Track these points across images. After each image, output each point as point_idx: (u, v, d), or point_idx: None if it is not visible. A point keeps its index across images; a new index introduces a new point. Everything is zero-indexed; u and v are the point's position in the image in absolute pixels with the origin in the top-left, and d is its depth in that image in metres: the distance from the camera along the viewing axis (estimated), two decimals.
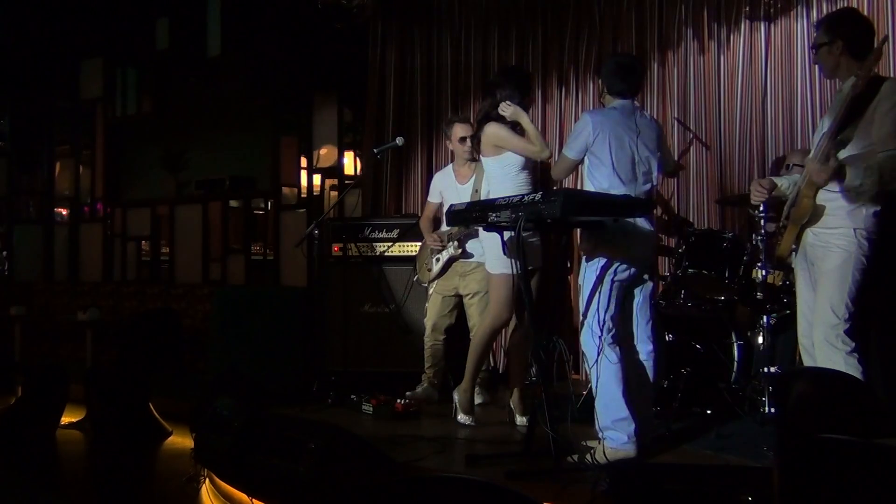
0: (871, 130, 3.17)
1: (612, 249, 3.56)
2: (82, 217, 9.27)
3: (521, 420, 4.22)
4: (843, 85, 3.33)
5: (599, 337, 3.46)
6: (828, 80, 4.57)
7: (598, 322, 3.49)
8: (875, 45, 3.29)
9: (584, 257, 3.64)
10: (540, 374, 3.44)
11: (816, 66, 3.78)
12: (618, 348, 3.50)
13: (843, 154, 3.21)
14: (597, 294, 3.51)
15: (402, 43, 6.47)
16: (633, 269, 3.60)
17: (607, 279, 3.53)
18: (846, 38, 3.28)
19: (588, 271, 3.58)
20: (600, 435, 3.47)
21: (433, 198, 5.12)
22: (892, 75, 4.35)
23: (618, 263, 3.55)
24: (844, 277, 3.16)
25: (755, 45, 5.19)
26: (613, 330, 3.52)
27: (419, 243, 5.22)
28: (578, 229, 3.55)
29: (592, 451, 3.43)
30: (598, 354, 3.45)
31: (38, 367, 5.34)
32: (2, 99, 9.60)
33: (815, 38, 3.43)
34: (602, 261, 3.55)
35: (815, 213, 3.25)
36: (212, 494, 3.58)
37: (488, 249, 4.10)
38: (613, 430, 3.43)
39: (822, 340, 3.19)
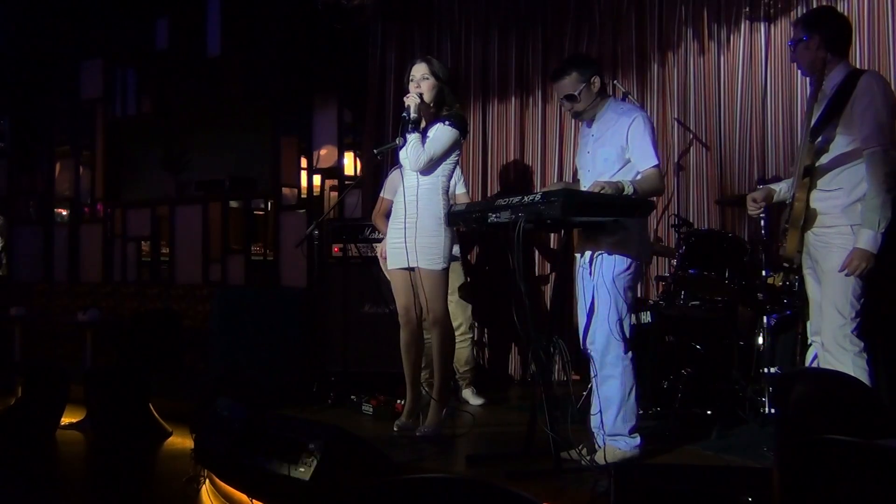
0: (852, 127, 3.17)
1: (643, 249, 3.58)
2: (82, 218, 9.26)
3: (420, 430, 4.05)
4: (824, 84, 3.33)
5: (626, 342, 3.46)
6: None
7: (628, 326, 3.49)
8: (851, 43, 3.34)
9: (606, 257, 3.49)
10: (539, 375, 3.44)
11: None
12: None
13: (828, 156, 3.22)
14: (623, 298, 3.47)
15: (402, 43, 6.46)
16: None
17: (635, 282, 3.55)
18: (823, 33, 3.28)
19: (625, 277, 3.48)
20: (614, 440, 3.45)
21: (388, 194, 4.97)
22: (883, 73, 4.36)
23: (641, 262, 3.58)
24: (847, 276, 3.16)
25: (755, 45, 5.19)
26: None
27: None
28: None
29: (591, 455, 3.44)
30: (627, 360, 3.45)
31: (38, 368, 5.33)
32: (2, 99, 9.60)
33: (792, 37, 3.42)
34: (634, 263, 3.50)
35: (810, 215, 3.25)
36: (212, 495, 3.58)
37: (428, 246, 4.01)
38: (631, 436, 3.46)
39: (832, 342, 3.18)
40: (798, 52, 3.35)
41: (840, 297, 3.17)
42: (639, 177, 3.50)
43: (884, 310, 3.57)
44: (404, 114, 4.03)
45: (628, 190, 3.41)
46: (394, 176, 5.08)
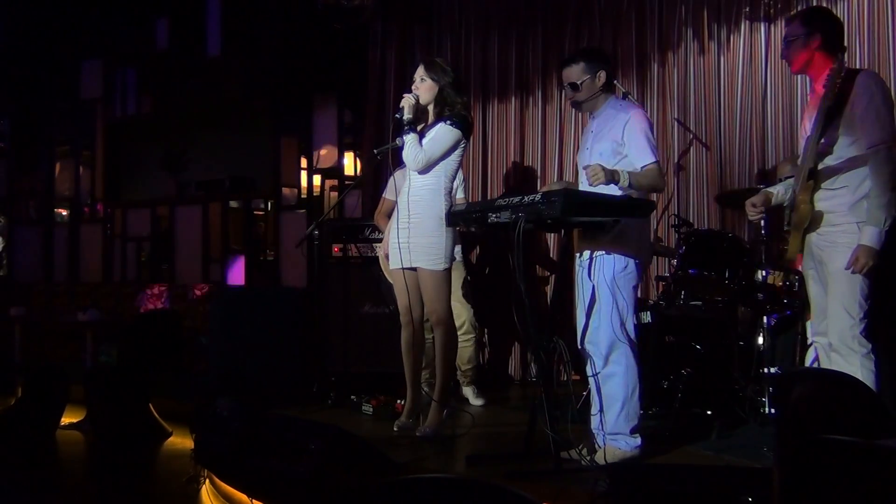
0: (853, 126, 3.16)
1: (642, 247, 3.56)
2: (82, 217, 9.26)
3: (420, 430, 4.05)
4: (815, 84, 3.32)
5: (630, 341, 3.46)
6: None
7: (632, 325, 3.49)
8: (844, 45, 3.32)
9: (604, 257, 3.49)
10: (540, 375, 3.44)
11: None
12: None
13: (831, 157, 3.20)
14: (624, 297, 3.46)
15: (402, 43, 6.46)
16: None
17: (636, 282, 3.54)
18: (823, 32, 3.27)
19: (624, 276, 3.47)
20: (614, 439, 3.45)
21: (389, 194, 4.97)
22: (883, 74, 4.36)
23: (640, 261, 3.57)
24: (854, 275, 3.14)
25: (755, 45, 5.19)
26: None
27: None
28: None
29: (591, 456, 3.43)
30: (631, 359, 3.45)
31: (38, 368, 5.34)
32: (2, 99, 9.59)
33: (787, 32, 3.39)
34: (633, 262, 3.50)
35: (815, 218, 3.24)
36: (212, 495, 3.58)
37: (428, 246, 4.01)
38: (632, 436, 3.45)
39: (840, 343, 3.16)
40: (792, 48, 3.33)
41: (848, 297, 3.15)
42: (639, 171, 3.50)
43: (886, 310, 3.56)
44: (397, 114, 4.08)
45: (623, 179, 3.40)
46: (396, 177, 5.09)
